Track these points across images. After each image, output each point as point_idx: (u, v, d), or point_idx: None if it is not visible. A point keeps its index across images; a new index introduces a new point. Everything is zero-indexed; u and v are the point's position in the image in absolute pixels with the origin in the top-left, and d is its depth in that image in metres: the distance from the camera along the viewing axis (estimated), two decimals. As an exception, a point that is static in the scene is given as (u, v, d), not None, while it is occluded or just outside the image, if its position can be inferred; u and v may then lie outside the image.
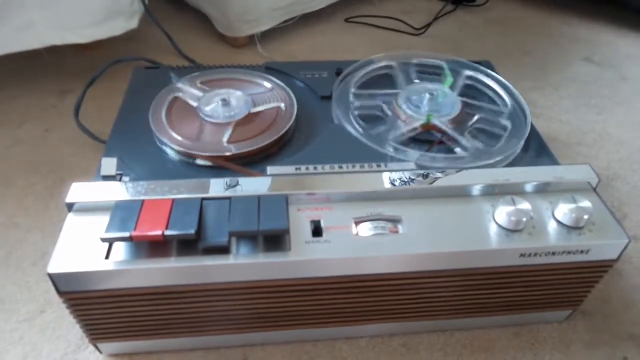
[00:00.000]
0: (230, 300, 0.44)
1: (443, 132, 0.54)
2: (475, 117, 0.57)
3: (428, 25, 1.11)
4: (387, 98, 0.59)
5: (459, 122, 0.56)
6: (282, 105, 0.53)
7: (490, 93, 0.62)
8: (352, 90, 0.58)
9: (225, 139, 0.52)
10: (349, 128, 0.54)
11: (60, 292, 0.41)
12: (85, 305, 0.42)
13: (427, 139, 0.55)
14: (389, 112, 0.57)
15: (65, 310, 0.44)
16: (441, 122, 0.55)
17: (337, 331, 0.51)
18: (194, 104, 0.56)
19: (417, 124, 0.55)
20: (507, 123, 0.56)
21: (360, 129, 0.54)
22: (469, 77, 0.64)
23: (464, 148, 0.53)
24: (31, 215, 0.63)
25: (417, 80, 0.62)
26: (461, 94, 0.60)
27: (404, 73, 0.63)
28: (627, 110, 0.88)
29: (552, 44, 1.08)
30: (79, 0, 0.75)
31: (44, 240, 0.60)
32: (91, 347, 0.49)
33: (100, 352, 0.49)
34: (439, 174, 0.47)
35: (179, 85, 0.58)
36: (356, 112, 0.56)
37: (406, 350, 0.51)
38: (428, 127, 0.55)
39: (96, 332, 0.46)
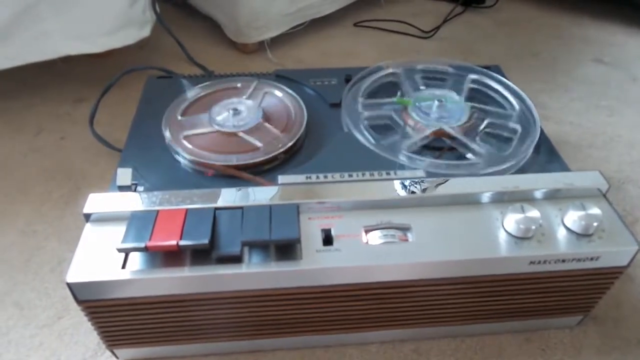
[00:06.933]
0: (243, 307, 0.45)
1: (454, 139, 0.55)
2: (485, 122, 0.57)
3: (437, 28, 1.11)
4: (396, 106, 0.59)
5: (469, 127, 0.56)
6: (261, 145, 0.54)
7: (499, 98, 0.63)
8: (360, 100, 0.59)
9: (183, 134, 0.54)
10: (359, 136, 0.55)
11: (78, 301, 0.42)
12: (102, 313, 0.44)
13: (438, 145, 0.55)
14: (400, 122, 0.57)
15: (83, 317, 0.45)
16: (451, 128, 0.55)
17: (348, 337, 0.51)
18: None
19: (427, 131, 0.55)
20: (517, 126, 0.57)
21: (370, 138, 0.54)
22: (476, 82, 0.64)
23: (475, 153, 0.53)
24: (48, 223, 0.65)
25: (423, 87, 0.63)
26: (469, 99, 0.61)
27: (410, 80, 0.63)
28: (639, 111, 0.88)
29: (561, 45, 1.07)
30: (93, 10, 0.77)
31: (61, 247, 0.62)
32: (108, 353, 0.51)
33: (117, 358, 0.51)
34: (448, 182, 0.47)
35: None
36: (365, 122, 0.56)
37: (417, 356, 0.52)
38: (438, 134, 0.55)
39: (113, 338, 0.47)
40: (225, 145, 0.54)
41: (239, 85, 0.63)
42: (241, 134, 0.55)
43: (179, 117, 0.57)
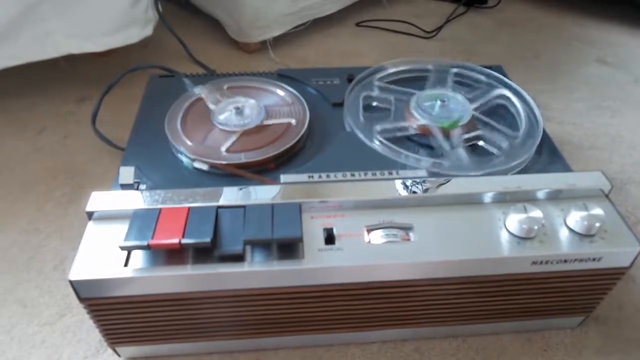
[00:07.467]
0: (245, 306, 0.45)
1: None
2: (487, 121, 0.58)
3: (439, 29, 1.11)
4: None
5: (473, 126, 0.56)
6: (293, 121, 0.54)
7: (503, 100, 0.63)
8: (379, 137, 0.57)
9: (224, 148, 0.53)
10: (361, 135, 0.55)
11: (81, 299, 0.42)
12: (105, 310, 0.44)
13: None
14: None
15: (85, 314, 0.45)
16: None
17: (350, 336, 0.51)
18: (212, 107, 0.58)
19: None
20: (519, 123, 0.58)
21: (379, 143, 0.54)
22: (477, 82, 0.64)
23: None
24: (51, 221, 0.65)
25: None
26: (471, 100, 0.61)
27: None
28: (641, 112, 0.88)
29: (564, 45, 1.07)
30: (95, 10, 0.77)
31: (64, 246, 0.62)
32: (110, 351, 0.51)
33: (119, 356, 0.51)
34: (449, 182, 0.47)
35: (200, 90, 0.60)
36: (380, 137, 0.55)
37: (418, 355, 0.52)
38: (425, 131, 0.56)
39: (115, 336, 0.47)
40: (262, 138, 0.54)
41: (202, 95, 0.60)
42: (266, 122, 0.56)
43: (183, 116, 0.57)
